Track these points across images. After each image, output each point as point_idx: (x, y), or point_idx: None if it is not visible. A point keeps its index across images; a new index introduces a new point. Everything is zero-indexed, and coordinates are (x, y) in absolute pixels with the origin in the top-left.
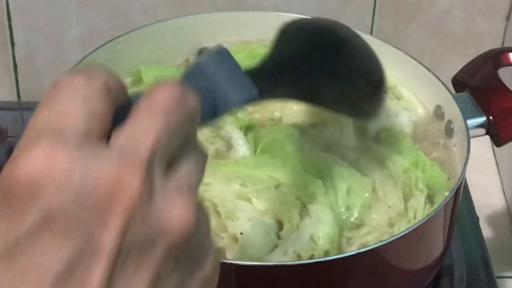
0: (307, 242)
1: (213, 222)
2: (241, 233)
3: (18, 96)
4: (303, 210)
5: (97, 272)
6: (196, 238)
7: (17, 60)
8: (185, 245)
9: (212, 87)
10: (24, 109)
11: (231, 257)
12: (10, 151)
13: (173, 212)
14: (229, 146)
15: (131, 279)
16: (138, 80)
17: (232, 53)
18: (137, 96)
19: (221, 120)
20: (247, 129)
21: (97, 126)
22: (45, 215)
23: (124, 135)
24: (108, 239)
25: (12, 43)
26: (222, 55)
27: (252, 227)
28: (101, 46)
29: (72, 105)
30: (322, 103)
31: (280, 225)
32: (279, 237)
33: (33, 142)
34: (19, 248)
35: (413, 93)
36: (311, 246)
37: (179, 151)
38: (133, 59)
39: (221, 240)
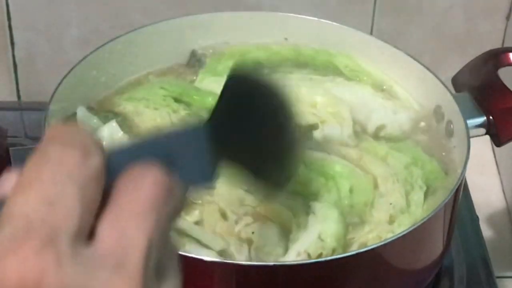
0: (315, 240)
1: (220, 225)
2: (253, 232)
3: (18, 96)
4: (308, 210)
5: None
6: None
7: (17, 60)
8: None
9: (176, 162)
10: (24, 109)
11: (242, 259)
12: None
13: None
14: None
15: None
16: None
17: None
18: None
19: None
20: None
21: (89, 219)
22: None
23: (113, 234)
24: None
25: (12, 43)
26: (196, 131)
27: (261, 230)
28: (101, 46)
29: (68, 193)
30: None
31: (288, 229)
32: (287, 240)
33: (21, 241)
34: None
35: (409, 93)
36: (319, 245)
37: (161, 256)
38: (133, 59)
39: (228, 244)
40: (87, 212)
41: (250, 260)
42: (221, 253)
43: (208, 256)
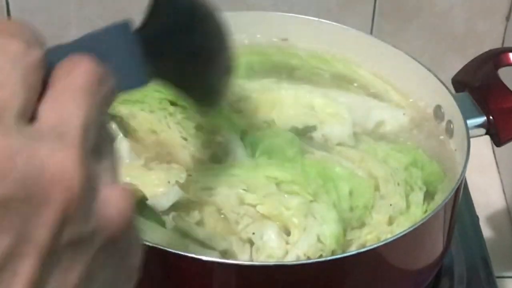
0: (315, 243)
1: (220, 225)
2: (253, 233)
3: None
4: (307, 211)
5: (27, 267)
6: (131, 231)
7: None
8: (121, 239)
9: (106, 63)
10: None
11: (244, 259)
12: None
13: (112, 206)
14: (226, 152)
15: (65, 274)
16: None
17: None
18: (54, 52)
19: None
20: (243, 133)
21: (32, 102)
22: None
23: (52, 113)
24: (43, 234)
25: None
26: (125, 30)
27: (261, 231)
28: None
29: (11, 77)
30: (179, 84)
31: (288, 229)
32: (287, 242)
33: None
34: None
35: (402, 95)
36: (319, 247)
37: (98, 137)
38: None
39: (230, 243)
40: (30, 95)
41: (252, 261)
42: (223, 253)
43: (211, 256)
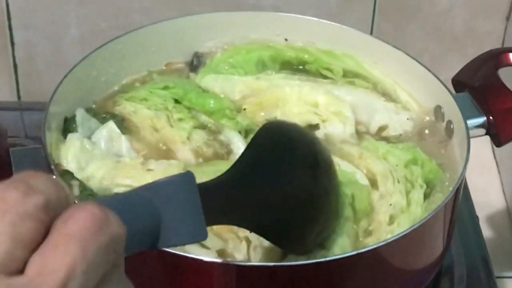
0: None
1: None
2: (250, 231)
3: (18, 96)
4: None
5: None
6: None
7: (17, 60)
8: None
9: (163, 215)
10: (24, 109)
11: (241, 258)
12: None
13: None
14: (229, 150)
15: None
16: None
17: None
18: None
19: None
20: (246, 132)
21: (19, 254)
22: None
23: (39, 263)
24: None
25: (12, 43)
26: (187, 182)
27: None
28: (101, 46)
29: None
30: (262, 234)
31: None
32: None
33: None
34: None
35: (410, 95)
36: (322, 254)
37: (102, 283)
38: (133, 59)
39: (226, 243)
40: (18, 247)
41: (249, 259)
42: (220, 252)
43: (207, 256)
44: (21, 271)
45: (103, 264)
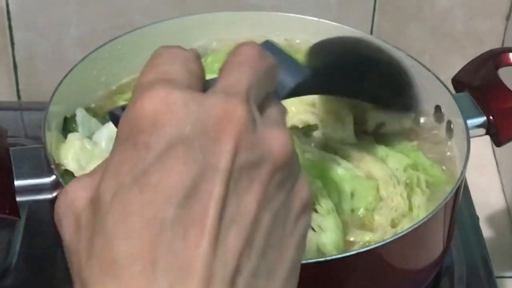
0: (315, 253)
1: None
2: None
3: (18, 96)
4: None
5: (216, 189)
6: (293, 164)
7: (17, 60)
8: (286, 168)
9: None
10: (24, 109)
11: None
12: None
13: (274, 139)
14: None
15: (243, 197)
16: None
17: None
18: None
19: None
20: None
21: (197, 82)
22: (167, 145)
23: (221, 83)
24: (222, 161)
25: (12, 43)
26: (269, 46)
27: None
28: (101, 46)
29: (175, 65)
30: (364, 97)
31: None
32: None
33: (150, 87)
34: (147, 176)
35: None
36: (319, 256)
37: (264, 101)
38: (133, 59)
39: None
40: (194, 75)
41: None
42: None
43: None
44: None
45: (267, 84)
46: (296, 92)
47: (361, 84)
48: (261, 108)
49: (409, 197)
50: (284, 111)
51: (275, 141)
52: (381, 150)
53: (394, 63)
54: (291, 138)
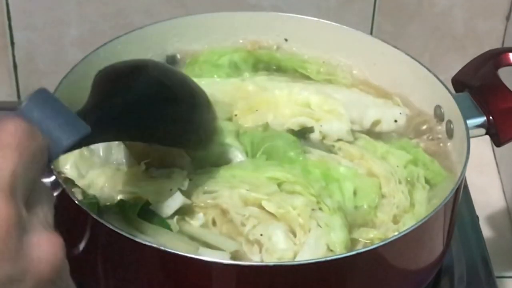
0: (325, 252)
1: (226, 227)
2: (261, 235)
3: (18, 96)
4: (312, 212)
5: None
6: (63, 271)
7: (17, 60)
8: (52, 281)
9: (43, 129)
10: None
11: (256, 260)
12: None
13: (42, 246)
14: (225, 155)
15: None
16: None
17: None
18: None
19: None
20: (241, 135)
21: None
22: None
23: None
24: None
25: (12, 43)
26: (43, 97)
27: (270, 232)
28: (101, 46)
29: None
30: (158, 141)
31: (292, 230)
32: (294, 243)
33: None
34: None
35: (409, 93)
36: (329, 255)
37: (33, 193)
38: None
39: (239, 244)
40: None
41: (262, 261)
42: (234, 254)
43: (212, 257)
44: None
45: (35, 169)
46: (75, 147)
47: (156, 124)
48: (29, 203)
49: (410, 193)
50: (52, 200)
51: (43, 249)
52: (381, 147)
53: (187, 84)
54: (61, 243)
